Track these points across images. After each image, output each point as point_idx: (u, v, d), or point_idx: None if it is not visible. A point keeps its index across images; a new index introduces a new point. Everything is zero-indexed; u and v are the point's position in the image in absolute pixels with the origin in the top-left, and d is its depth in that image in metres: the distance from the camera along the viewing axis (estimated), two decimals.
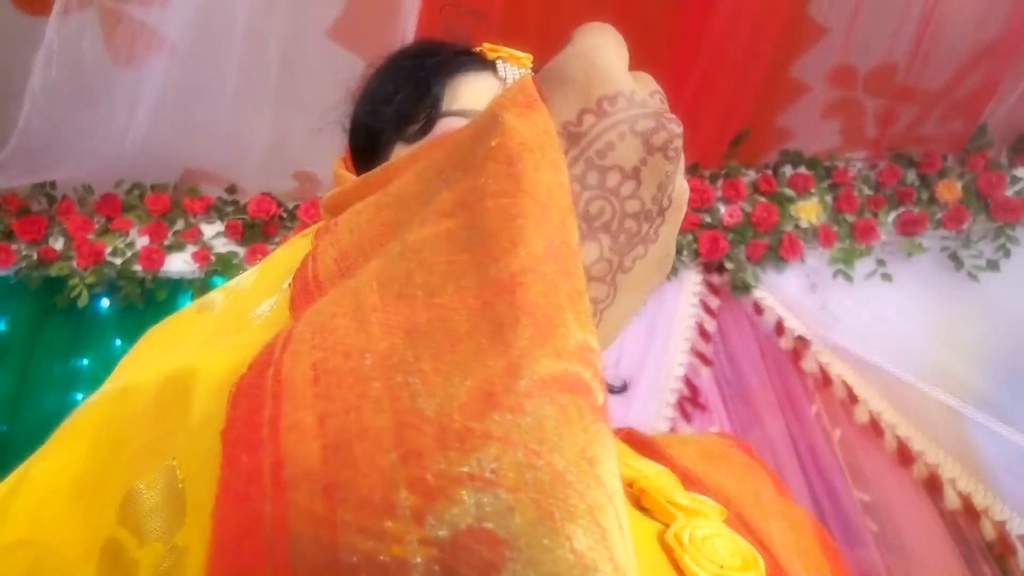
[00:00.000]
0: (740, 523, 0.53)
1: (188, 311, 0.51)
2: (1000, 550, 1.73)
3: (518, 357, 0.20)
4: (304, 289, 0.30)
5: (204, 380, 0.26)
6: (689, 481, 0.57)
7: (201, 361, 0.28)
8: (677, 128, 0.30)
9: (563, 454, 0.19)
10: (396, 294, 0.22)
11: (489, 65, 0.69)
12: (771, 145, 2.29)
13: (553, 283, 0.22)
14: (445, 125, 0.64)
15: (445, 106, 0.65)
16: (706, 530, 0.45)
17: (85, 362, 1.89)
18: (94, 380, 1.84)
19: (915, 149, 2.33)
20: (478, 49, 0.71)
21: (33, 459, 0.34)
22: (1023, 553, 1.69)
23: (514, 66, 0.69)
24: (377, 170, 0.57)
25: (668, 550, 0.44)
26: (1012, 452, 1.76)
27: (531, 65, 0.71)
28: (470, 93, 0.66)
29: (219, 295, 0.49)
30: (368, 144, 0.70)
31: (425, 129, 0.65)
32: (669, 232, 0.32)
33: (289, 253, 0.49)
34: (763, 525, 0.55)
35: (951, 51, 2.08)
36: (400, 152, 0.66)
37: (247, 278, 0.49)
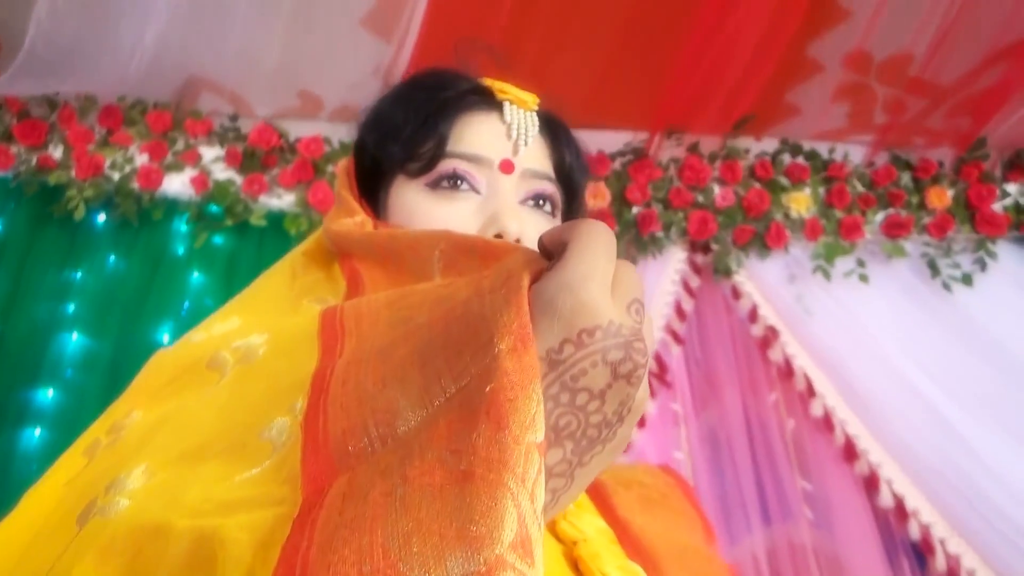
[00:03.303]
0: None
1: (198, 360, 0.55)
2: (923, 550, 1.86)
3: None
4: (315, 451, 0.35)
5: (233, 559, 0.33)
6: (626, 536, 0.64)
7: (226, 528, 0.34)
8: (642, 359, 0.35)
9: None
10: (396, 557, 0.28)
11: (496, 106, 0.72)
12: (777, 119, 2.29)
13: (519, 573, 0.28)
14: (447, 165, 0.68)
15: (450, 146, 0.68)
16: None
17: (79, 275, 1.92)
18: (87, 293, 1.90)
19: (918, 141, 2.35)
20: (487, 84, 0.74)
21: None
22: (941, 555, 1.83)
23: (520, 110, 0.72)
24: (384, 234, 0.60)
25: None
26: (948, 462, 1.87)
27: (536, 107, 0.74)
28: (474, 136, 0.69)
29: (228, 355, 0.53)
30: (372, 170, 0.73)
31: (427, 168, 0.68)
32: (627, 430, 0.37)
33: (298, 326, 0.52)
34: None
35: (970, 50, 2.09)
36: (401, 185, 0.69)
37: (256, 342, 0.53)
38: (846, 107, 2.28)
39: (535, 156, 0.70)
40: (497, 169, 0.68)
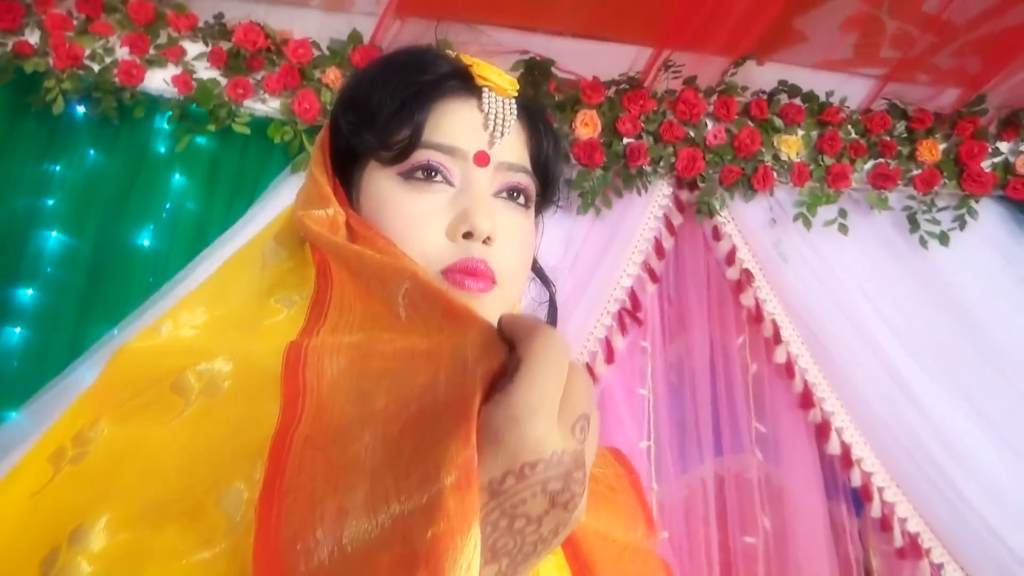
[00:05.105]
0: None
1: (163, 378, 0.56)
2: (861, 496, 1.98)
3: None
4: (266, 549, 0.37)
5: None
6: (567, 540, 0.69)
7: None
8: (580, 488, 0.38)
9: None
10: None
11: (475, 92, 0.70)
12: (782, 44, 2.22)
13: None
14: (421, 155, 0.68)
15: (425, 136, 0.68)
16: None
17: (57, 168, 1.89)
18: (66, 189, 1.88)
19: (923, 78, 2.30)
20: (467, 64, 0.72)
21: None
22: (878, 502, 1.95)
23: (499, 97, 0.71)
24: (352, 252, 0.61)
25: None
26: (897, 415, 1.95)
27: (515, 93, 0.73)
28: (450, 126, 0.68)
29: (193, 380, 0.55)
30: (346, 151, 0.72)
31: (401, 157, 0.68)
32: (561, 539, 0.40)
33: (263, 361, 0.54)
34: None
35: None
36: (374, 171, 0.69)
37: (221, 371, 0.54)
38: (854, 38, 2.22)
39: (511, 147, 0.70)
40: (471, 161, 0.67)
